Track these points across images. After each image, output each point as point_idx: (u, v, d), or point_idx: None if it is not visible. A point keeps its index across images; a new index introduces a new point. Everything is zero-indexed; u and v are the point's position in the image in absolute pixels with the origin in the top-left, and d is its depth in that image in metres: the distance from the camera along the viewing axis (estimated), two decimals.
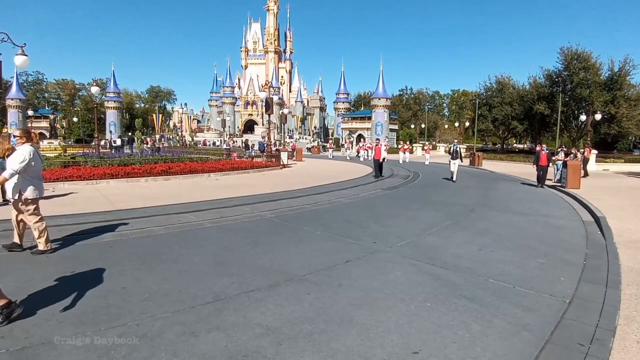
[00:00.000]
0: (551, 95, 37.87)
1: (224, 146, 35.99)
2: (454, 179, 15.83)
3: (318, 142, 56.30)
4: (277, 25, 77.88)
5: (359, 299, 3.91)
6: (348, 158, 36.34)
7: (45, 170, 13.27)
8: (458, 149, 16.28)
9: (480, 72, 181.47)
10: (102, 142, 37.43)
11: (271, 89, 48.16)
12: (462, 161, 16.57)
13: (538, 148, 16.17)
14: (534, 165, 15.20)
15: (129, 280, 4.30)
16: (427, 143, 46.38)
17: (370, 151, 32.72)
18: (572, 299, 4.04)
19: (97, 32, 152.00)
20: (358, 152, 36.81)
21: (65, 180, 12.40)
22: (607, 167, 24.66)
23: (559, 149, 18.56)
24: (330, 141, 50.00)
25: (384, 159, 17.46)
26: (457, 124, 70.51)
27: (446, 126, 75.96)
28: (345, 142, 49.58)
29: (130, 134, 47.66)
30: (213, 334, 3.13)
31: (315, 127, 78.05)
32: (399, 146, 37.87)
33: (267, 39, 77.28)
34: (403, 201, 10.91)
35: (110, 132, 59.13)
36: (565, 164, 14.23)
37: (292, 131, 66.79)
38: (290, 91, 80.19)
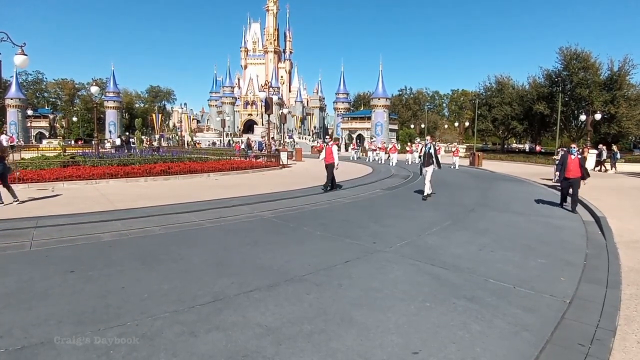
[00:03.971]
0: (551, 95, 37.93)
1: (242, 146, 34.98)
2: (427, 192, 10.85)
3: (318, 142, 56.22)
4: (276, 25, 77.94)
5: (359, 299, 3.91)
6: (382, 163, 29.12)
7: (45, 170, 13.30)
8: (432, 151, 10.88)
9: (480, 72, 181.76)
10: (107, 145, 37.08)
11: (271, 89, 48.04)
12: (439, 167, 11.11)
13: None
14: (556, 174, 10.61)
15: (129, 280, 4.30)
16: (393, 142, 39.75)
17: (381, 152, 31.86)
18: (572, 299, 4.03)
19: (96, 32, 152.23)
20: (388, 154, 29.82)
21: (64, 180, 12.38)
22: (607, 167, 24.62)
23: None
24: (354, 141, 45.71)
25: (333, 165, 12.26)
26: (456, 124, 70.53)
27: (446, 126, 75.97)
28: (368, 144, 42.68)
29: (128, 133, 47.60)
30: (213, 333, 3.12)
31: (314, 127, 78.14)
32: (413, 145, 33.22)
33: (267, 39, 77.33)
34: (402, 201, 10.90)
35: (110, 132, 59.23)
36: None
37: (292, 131, 66.76)
38: (289, 91, 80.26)
